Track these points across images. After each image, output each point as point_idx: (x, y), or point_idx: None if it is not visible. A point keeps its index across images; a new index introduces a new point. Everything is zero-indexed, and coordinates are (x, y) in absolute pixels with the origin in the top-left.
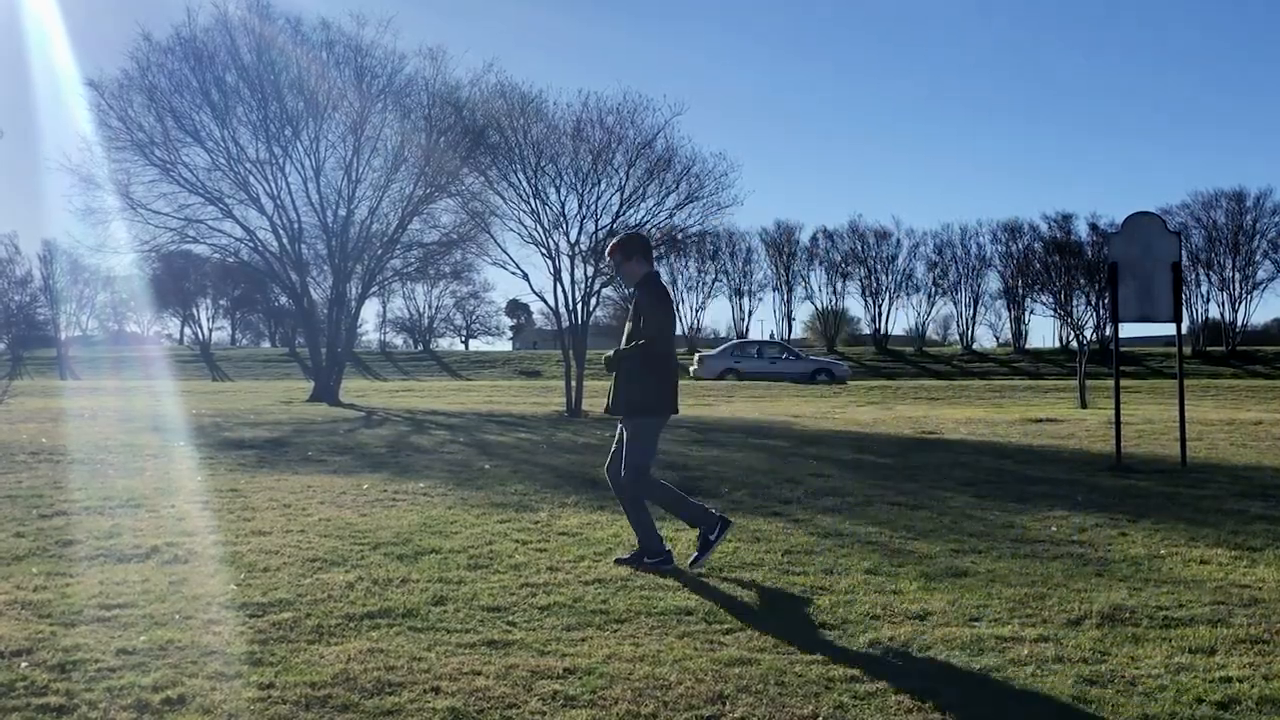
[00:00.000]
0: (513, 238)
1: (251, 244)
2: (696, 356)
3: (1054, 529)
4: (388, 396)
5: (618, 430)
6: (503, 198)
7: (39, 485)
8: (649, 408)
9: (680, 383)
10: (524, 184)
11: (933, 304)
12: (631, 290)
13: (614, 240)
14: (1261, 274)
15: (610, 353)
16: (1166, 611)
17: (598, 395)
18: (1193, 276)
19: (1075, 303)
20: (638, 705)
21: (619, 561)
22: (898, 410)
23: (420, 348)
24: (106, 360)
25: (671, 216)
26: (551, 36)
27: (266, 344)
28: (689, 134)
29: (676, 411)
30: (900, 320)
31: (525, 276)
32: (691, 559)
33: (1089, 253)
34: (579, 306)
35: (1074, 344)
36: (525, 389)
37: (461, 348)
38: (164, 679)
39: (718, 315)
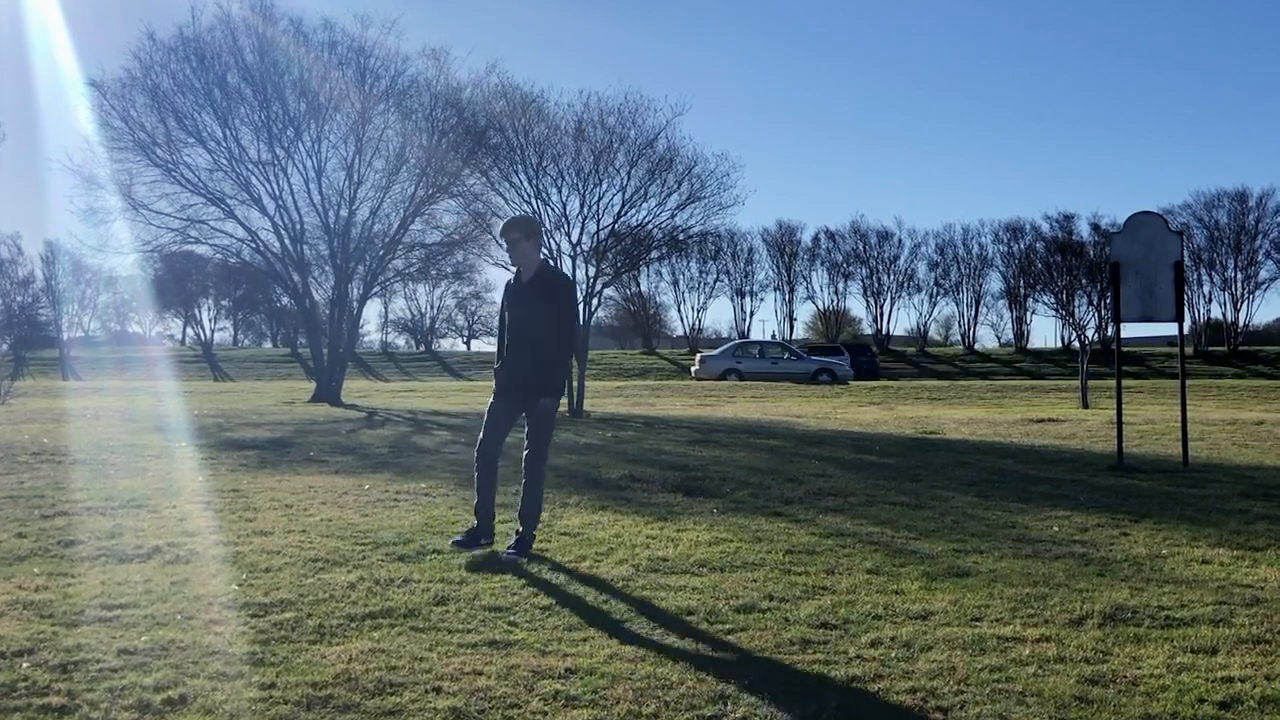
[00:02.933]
0: None
1: (253, 244)
2: (698, 357)
3: (1056, 529)
4: (389, 397)
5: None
6: (504, 198)
7: (41, 485)
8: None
9: (681, 383)
10: (525, 184)
11: (934, 304)
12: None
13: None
14: (1264, 274)
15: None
16: (1168, 611)
17: (600, 395)
18: (1195, 276)
19: (1077, 303)
20: (639, 705)
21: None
22: (899, 410)
23: (422, 348)
24: (109, 361)
25: (673, 217)
26: (553, 34)
27: (268, 344)
28: (690, 134)
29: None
30: (902, 320)
31: None
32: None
33: (1091, 252)
34: (581, 307)
35: (1076, 344)
36: None
37: (463, 348)
38: (166, 679)
39: (719, 315)
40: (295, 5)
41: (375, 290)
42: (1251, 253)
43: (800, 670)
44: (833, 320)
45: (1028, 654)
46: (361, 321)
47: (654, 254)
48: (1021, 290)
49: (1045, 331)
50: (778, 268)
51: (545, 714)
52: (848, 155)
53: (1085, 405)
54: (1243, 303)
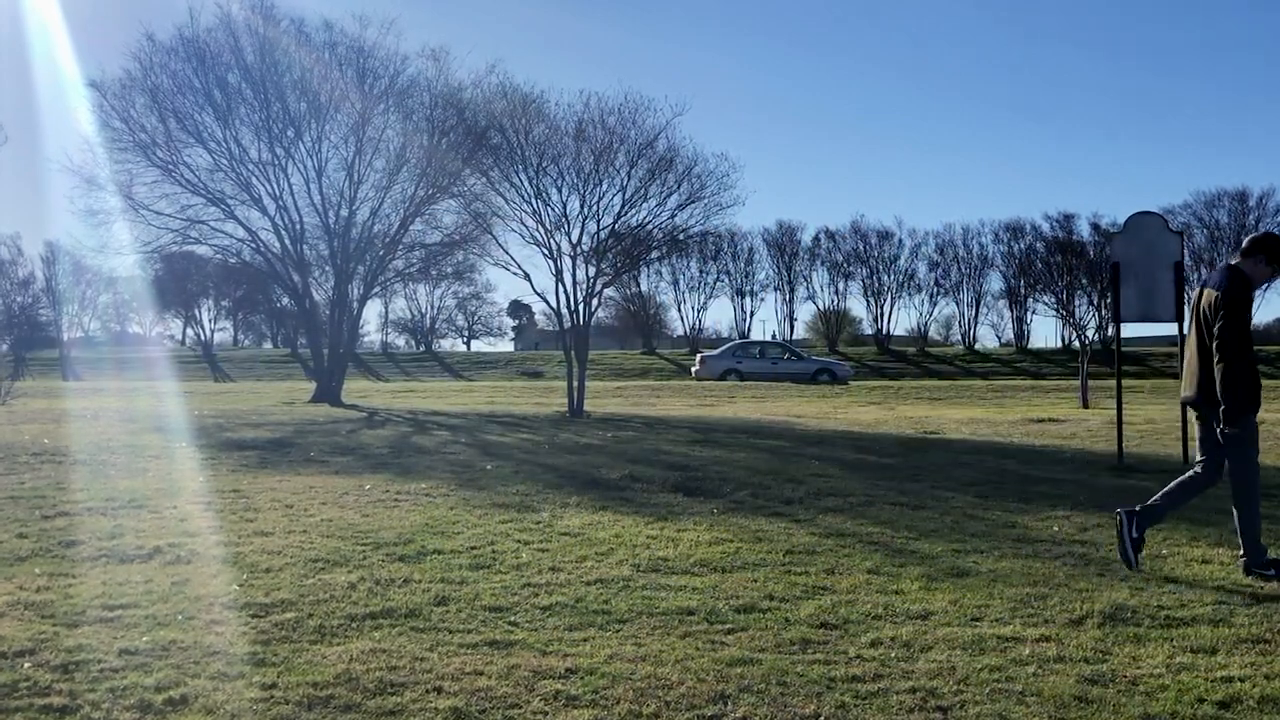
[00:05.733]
0: (514, 238)
1: (254, 245)
2: (698, 357)
3: (1056, 528)
4: (390, 397)
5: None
6: (504, 198)
7: (42, 486)
8: None
9: (682, 383)
10: (526, 185)
11: (935, 304)
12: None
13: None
14: None
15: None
16: (1168, 611)
17: (599, 396)
18: (1195, 276)
19: (1077, 302)
20: (640, 705)
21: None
22: (900, 410)
23: (422, 348)
24: (109, 361)
25: (673, 217)
26: (553, 34)
27: (269, 345)
28: (691, 134)
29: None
30: (902, 320)
31: (527, 277)
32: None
33: (1091, 252)
34: (580, 307)
35: (1076, 344)
36: (527, 389)
37: (463, 348)
38: (167, 679)
39: (719, 315)
40: (295, 5)
41: (375, 290)
42: None
43: (800, 670)
44: (833, 320)
45: (1027, 654)
46: (361, 322)
47: (654, 254)
48: (1022, 290)
49: (1045, 331)
50: (778, 268)
51: (545, 714)
52: (848, 155)
53: (1085, 405)
54: None
